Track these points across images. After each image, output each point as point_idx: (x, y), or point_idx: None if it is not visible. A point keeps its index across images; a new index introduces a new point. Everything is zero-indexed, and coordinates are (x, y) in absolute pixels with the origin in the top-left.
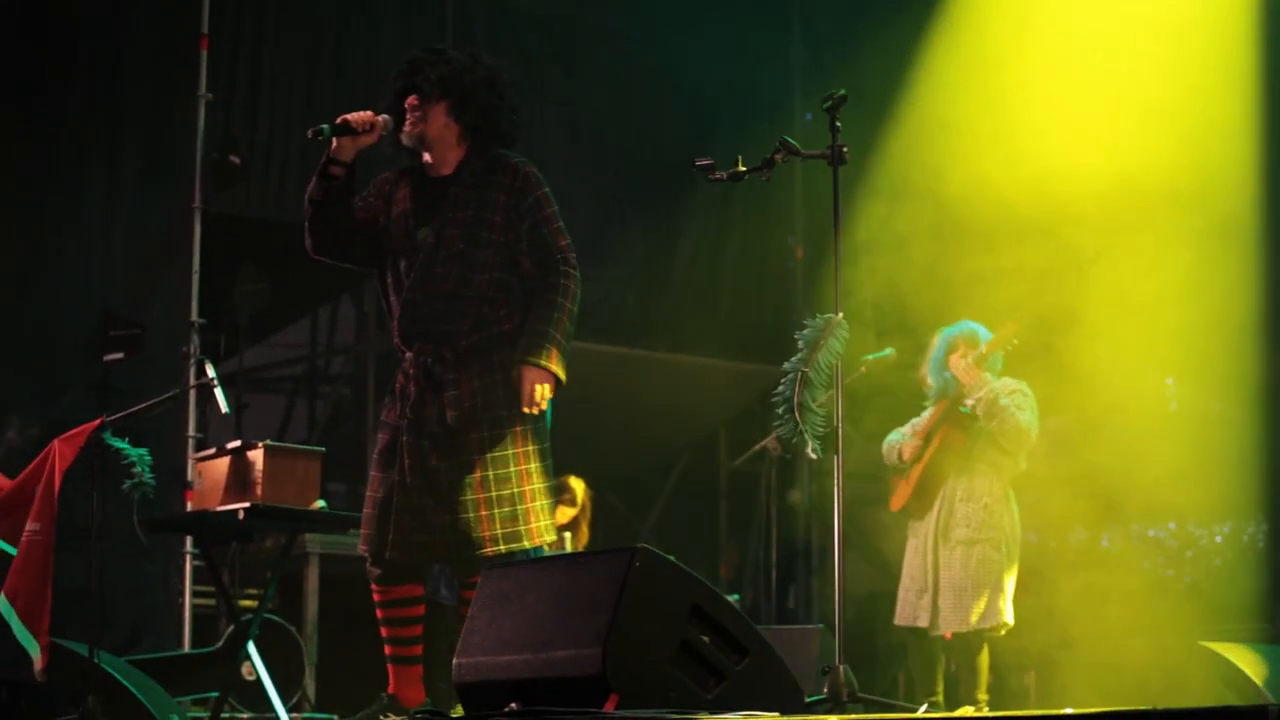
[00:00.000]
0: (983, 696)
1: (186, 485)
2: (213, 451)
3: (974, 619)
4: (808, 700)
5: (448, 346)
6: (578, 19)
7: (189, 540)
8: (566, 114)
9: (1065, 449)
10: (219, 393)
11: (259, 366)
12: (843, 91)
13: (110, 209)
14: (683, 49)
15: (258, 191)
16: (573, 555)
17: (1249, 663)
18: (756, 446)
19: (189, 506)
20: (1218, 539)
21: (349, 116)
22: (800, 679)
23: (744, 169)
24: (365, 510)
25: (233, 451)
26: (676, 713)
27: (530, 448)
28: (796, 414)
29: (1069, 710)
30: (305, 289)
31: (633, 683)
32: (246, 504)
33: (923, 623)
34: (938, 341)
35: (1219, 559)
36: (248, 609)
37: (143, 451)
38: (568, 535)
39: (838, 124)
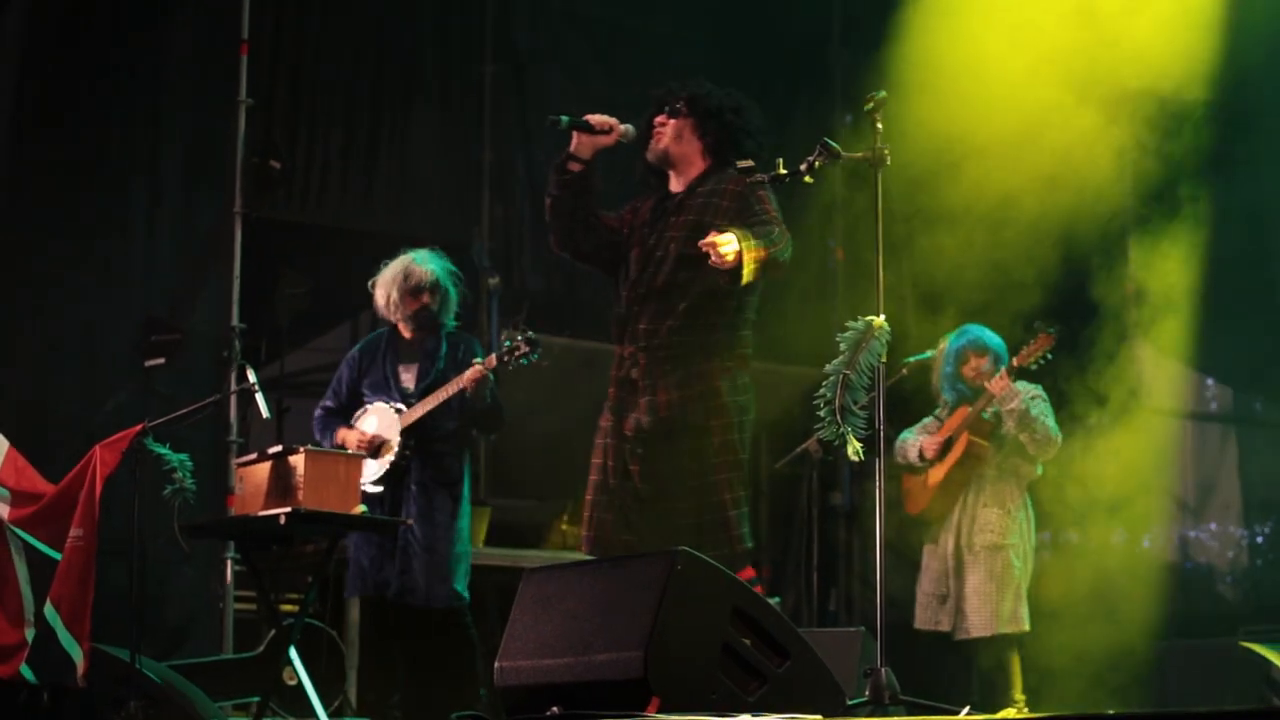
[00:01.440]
0: (1019, 697)
1: (228, 490)
2: (254, 456)
3: (1000, 625)
4: (849, 702)
5: (651, 349)
6: (617, 21)
7: (230, 545)
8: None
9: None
10: (260, 397)
11: (300, 371)
12: (883, 93)
13: (152, 214)
14: (720, 49)
15: (298, 196)
16: (614, 559)
17: None
18: (798, 449)
19: (230, 511)
20: (1259, 539)
21: (589, 116)
22: (841, 681)
23: (785, 171)
24: (584, 514)
25: (274, 456)
26: (718, 715)
27: (729, 458)
28: (838, 416)
29: (1111, 711)
30: (345, 293)
31: (674, 686)
32: (288, 509)
33: (944, 627)
34: (945, 354)
35: (1260, 559)
36: (289, 614)
37: (184, 457)
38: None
39: (879, 125)
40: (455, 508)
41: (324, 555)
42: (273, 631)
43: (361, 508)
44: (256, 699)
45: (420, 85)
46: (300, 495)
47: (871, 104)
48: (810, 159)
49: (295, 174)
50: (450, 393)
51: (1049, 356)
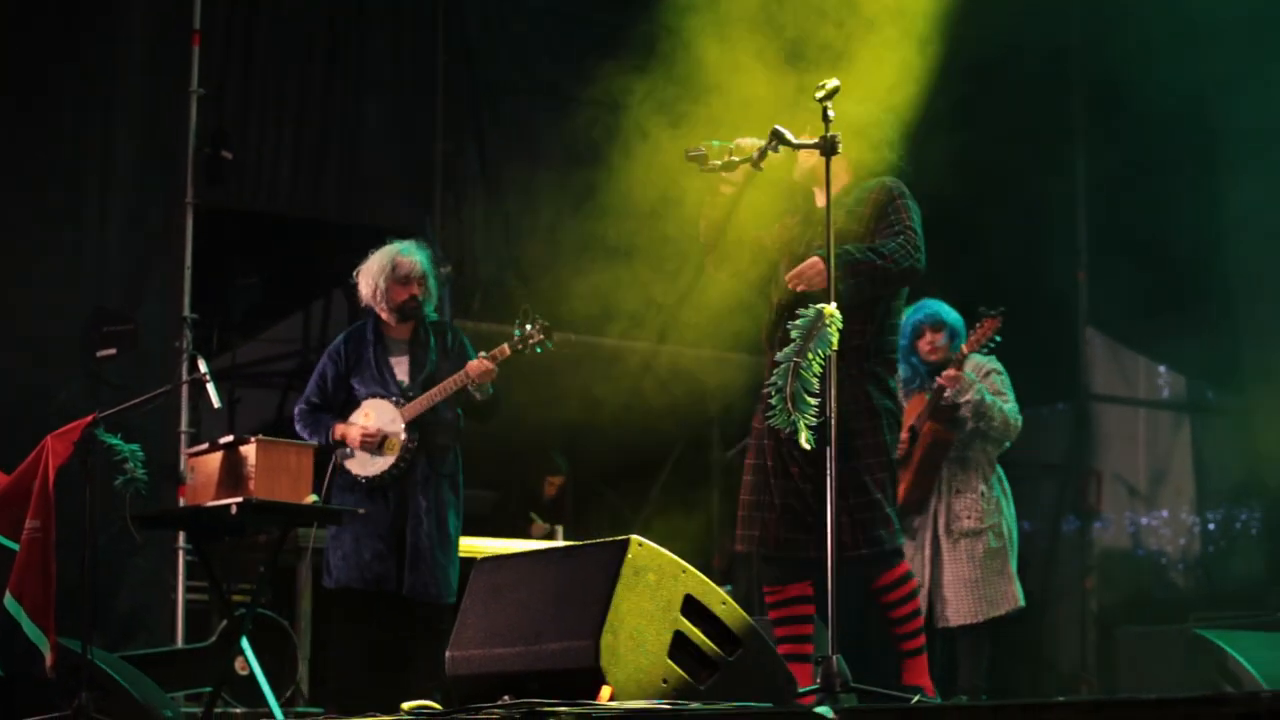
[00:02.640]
0: (982, 685)
1: (179, 480)
2: (205, 446)
3: (989, 608)
4: (800, 690)
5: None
6: (567, 10)
7: (182, 536)
8: (554, 102)
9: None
10: (211, 388)
11: (251, 361)
12: (835, 82)
13: (103, 204)
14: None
15: (250, 186)
16: (565, 548)
17: (1242, 650)
18: (749, 438)
19: (182, 502)
20: (1211, 526)
21: (740, 140)
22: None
23: (737, 159)
24: (741, 513)
25: (225, 446)
26: (670, 703)
27: (881, 458)
28: (790, 405)
29: (1061, 699)
30: (297, 283)
31: (625, 674)
32: (239, 499)
33: None
34: (900, 328)
35: (1212, 546)
36: (241, 604)
37: (135, 447)
38: (560, 528)
39: (830, 114)
40: (456, 501)
41: (275, 545)
42: (224, 622)
43: (313, 497)
44: (208, 689)
45: (372, 75)
46: (252, 485)
47: (822, 92)
48: (762, 146)
49: (247, 164)
50: (456, 385)
51: (997, 339)
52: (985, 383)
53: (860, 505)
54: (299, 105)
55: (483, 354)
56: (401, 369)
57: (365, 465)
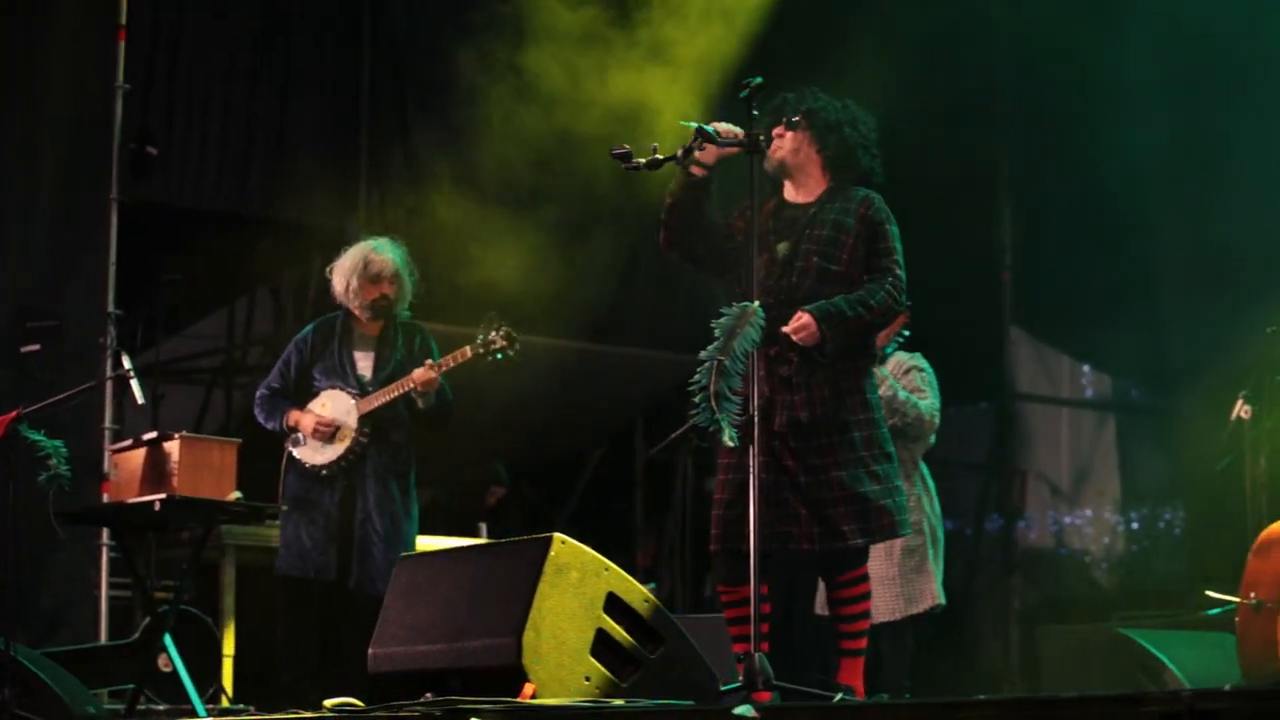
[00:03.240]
0: (905, 683)
1: (103, 477)
2: (129, 443)
3: (907, 605)
4: (722, 688)
5: (797, 349)
6: (491, 7)
7: (105, 532)
8: (479, 102)
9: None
10: (135, 384)
11: (176, 358)
12: (759, 79)
13: (28, 200)
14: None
15: (175, 182)
16: (487, 545)
17: (1165, 648)
18: (673, 435)
19: (105, 498)
20: (1134, 525)
21: (716, 125)
22: (716, 667)
23: (661, 157)
24: (713, 511)
25: (149, 443)
26: (592, 701)
27: (879, 450)
28: (713, 403)
29: (982, 697)
30: (222, 280)
31: (548, 672)
32: (163, 495)
33: (828, 612)
34: None
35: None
36: (164, 601)
37: (59, 443)
38: (483, 525)
39: (755, 112)
40: (407, 498)
41: (199, 541)
42: (148, 618)
43: (236, 494)
44: (131, 686)
45: (298, 72)
46: (175, 482)
47: (747, 90)
48: (686, 144)
49: (172, 160)
50: (405, 389)
51: (906, 334)
52: (905, 380)
53: (864, 495)
54: (225, 101)
55: (430, 362)
56: (365, 364)
57: (315, 454)
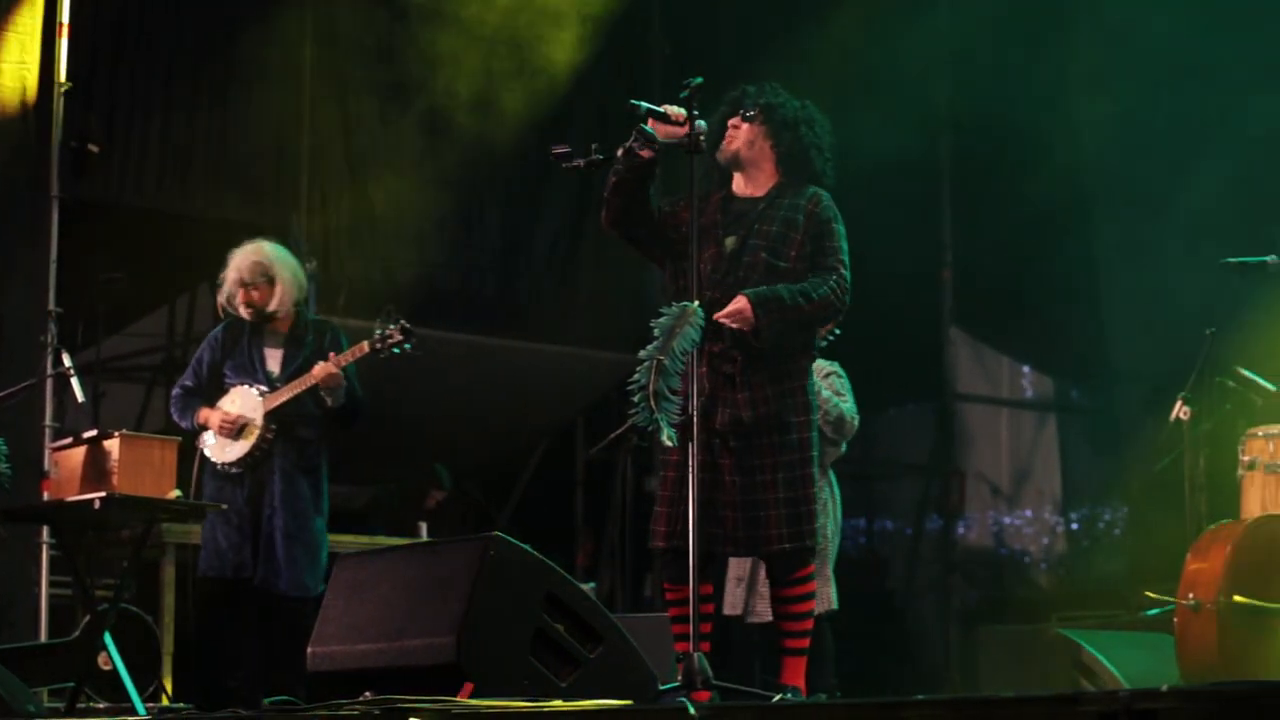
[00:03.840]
0: (834, 682)
1: (43, 475)
2: (69, 441)
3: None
4: (661, 688)
5: (746, 345)
6: (431, 6)
7: (45, 530)
8: (422, 101)
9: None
10: (75, 382)
11: (116, 356)
12: (699, 80)
13: None
14: (542, 35)
15: (116, 180)
16: (427, 543)
17: (1103, 649)
18: (613, 435)
19: (45, 496)
20: (1074, 526)
21: (666, 107)
22: (655, 667)
23: (600, 156)
24: (656, 508)
25: (89, 441)
26: (531, 701)
27: (812, 454)
28: (652, 402)
29: (921, 696)
30: (163, 278)
31: (487, 671)
32: (103, 493)
33: (737, 611)
34: None
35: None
36: (104, 599)
37: None
38: (424, 524)
39: (695, 112)
40: (317, 495)
41: (139, 540)
42: (88, 617)
43: (176, 492)
44: (71, 684)
45: (240, 70)
46: (115, 480)
47: (688, 91)
48: (627, 144)
49: (113, 158)
50: (308, 384)
51: (836, 333)
52: (824, 383)
53: (796, 499)
54: (166, 99)
55: (333, 355)
56: (274, 360)
57: (222, 451)
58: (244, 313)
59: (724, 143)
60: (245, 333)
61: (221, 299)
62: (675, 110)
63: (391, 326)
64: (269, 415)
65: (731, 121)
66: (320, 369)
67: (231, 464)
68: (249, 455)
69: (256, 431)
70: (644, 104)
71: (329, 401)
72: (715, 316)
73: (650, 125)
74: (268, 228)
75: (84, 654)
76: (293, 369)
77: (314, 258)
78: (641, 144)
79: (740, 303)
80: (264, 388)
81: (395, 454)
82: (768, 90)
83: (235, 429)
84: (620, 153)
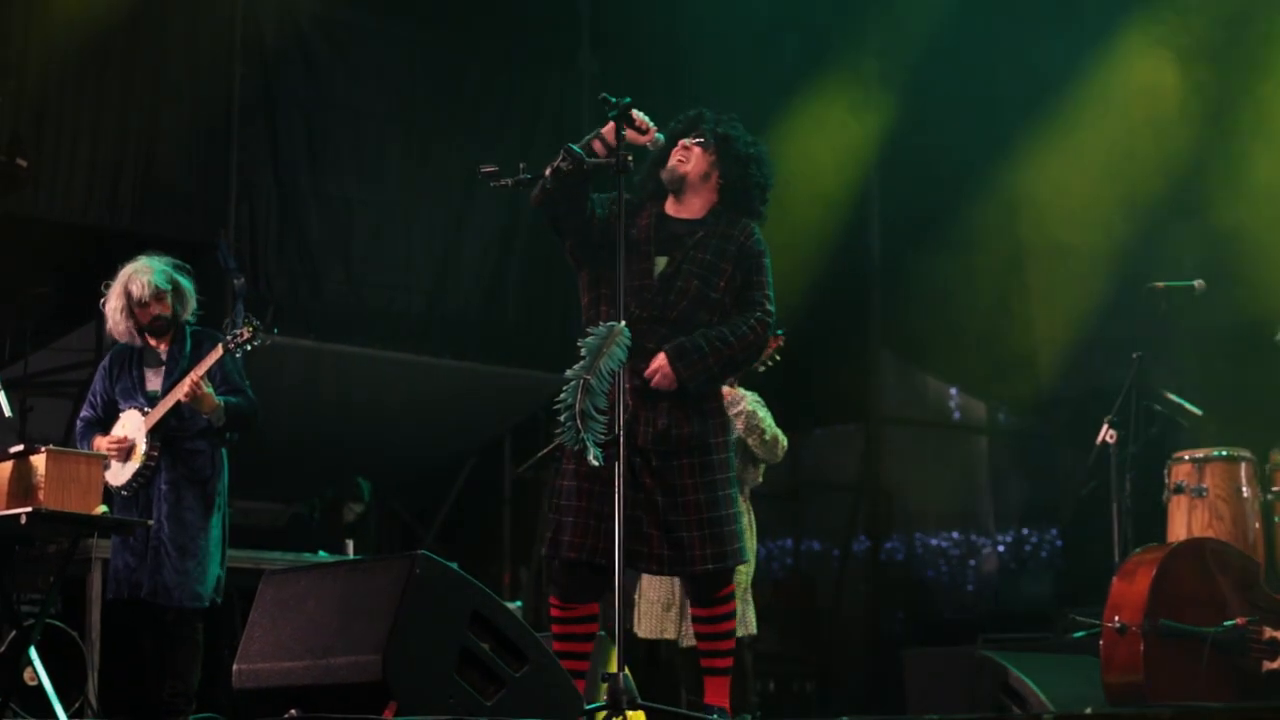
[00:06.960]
0: (755, 700)
1: None
2: None
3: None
4: (587, 707)
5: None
6: (360, 22)
7: None
8: (349, 117)
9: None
10: (2, 396)
11: (43, 370)
12: (628, 99)
13: None
14: (473, 51)
15: (45, 195)
16: (353, 561)
17: (1029, 671)
18: (540, 454)
19: None
20: (1001, 549)
21: (634, 113)
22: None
23: (528, 176)
24: (564, 518)
25: (15, 456)
26: None
27: (730, 474)
28: (579, 421)
29: (845, 718)
30: (92, 294)
31: (412, 690)
32: (29, 509)
33: (670, 635)
34: None
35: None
36: (30, 614)
37: None
38: (350, 542)
39: (623, 132)
40: (206, 507)
41: (65, 555)
42: (13, 632)
43: (103, 508)
44: None
45: (169, 86)
46: (41, 495)
47: (616, 110)
48: (554, 163)
49: (42, 172)
50: (177, 397)
51: (777, 358)
52: (749, 408)
53: (717, 519)
54: (95, 115)
55: (199, 367)
56: (155, 379)
57: (116, 475)
58: (148, 336)
59: (673, 162)
60: (132, 357)
61: (115, 329)
62: (642, 118)
63: (242, 327)
64: (150, 433)
65: (683, 141)
66: (184, 384)
67: (122, 487)
68: (137, 476)
69: (142, 450)
70: (618, 98)
71: (205, 417)
72: (645, 374)
73: (605, 133)
74: (196, 245)
75: (9, 669)
76: (171, 383)
77: (242, 275)
78: (569, 163)
79: (659, 361)
80: (147, 408)
81: (320, 471)
82: (725, 121)
83: (124, 452)
84: (548, 172)
